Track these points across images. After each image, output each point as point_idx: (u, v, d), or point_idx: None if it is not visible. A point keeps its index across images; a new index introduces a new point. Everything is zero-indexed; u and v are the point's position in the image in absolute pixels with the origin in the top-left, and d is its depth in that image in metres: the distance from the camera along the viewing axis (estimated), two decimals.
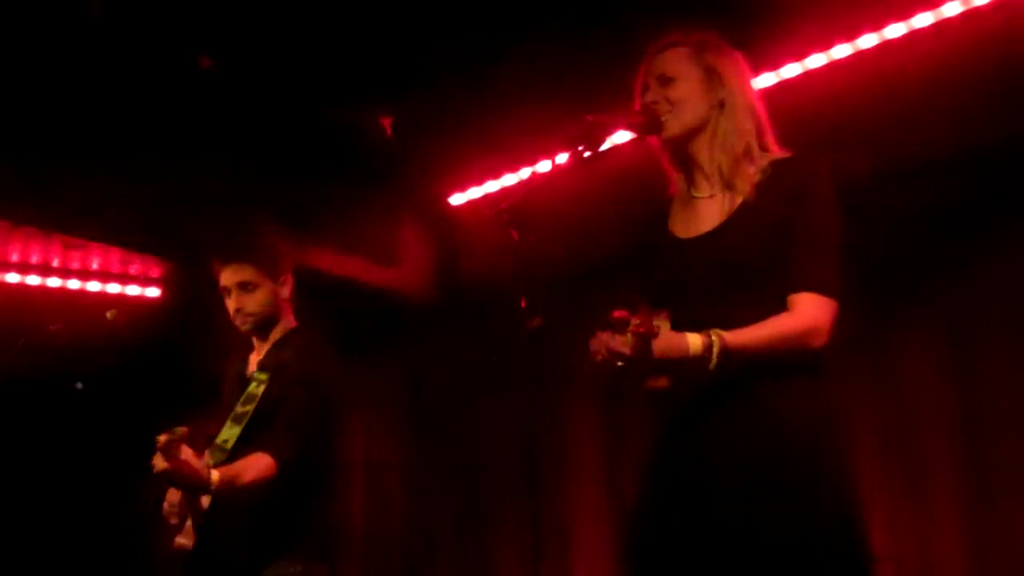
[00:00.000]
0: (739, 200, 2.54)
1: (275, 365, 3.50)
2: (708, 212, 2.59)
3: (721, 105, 2.59)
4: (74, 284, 6.06)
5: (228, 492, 3.18)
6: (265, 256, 3.60)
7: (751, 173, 2.55)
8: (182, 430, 2.96)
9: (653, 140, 2.64)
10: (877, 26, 4.32)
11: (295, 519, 3.45)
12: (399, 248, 6.11)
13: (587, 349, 2.33)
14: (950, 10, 4.17)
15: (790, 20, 4.32)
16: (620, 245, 2.94)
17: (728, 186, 2.56)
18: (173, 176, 5.15)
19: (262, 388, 3.40)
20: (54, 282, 6.00)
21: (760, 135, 2.61)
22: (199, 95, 4.81)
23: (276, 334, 3.64)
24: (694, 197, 2.64)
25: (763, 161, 2.56)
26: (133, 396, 6.60)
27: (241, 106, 4.97)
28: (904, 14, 4.26)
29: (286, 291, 3.65)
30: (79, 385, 6.95)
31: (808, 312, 2.41)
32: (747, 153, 2.56)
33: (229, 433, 3.36)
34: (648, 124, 2.59)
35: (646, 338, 2.20)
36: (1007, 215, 4.56)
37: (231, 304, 3.59)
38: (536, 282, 2.55)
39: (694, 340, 2.31)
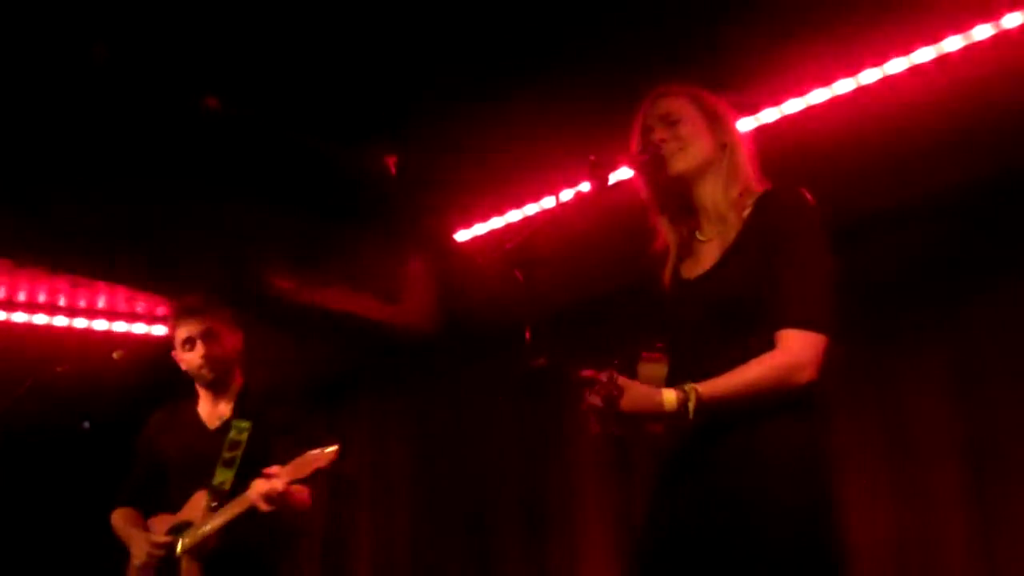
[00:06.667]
0: (732, 236, 2.56)
1: (253, 414, 3.80)
2: (709, 253, 2.61)
3: (723, 147, 2.63)
4: (80, 323, 6.07)
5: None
6: (220, 310, 3.95)
7: (743, 212, 2.57)
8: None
9: (662, 179, 2.65)
10: (878, 61, 4.34)
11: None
12: (404, 285, 6.12)
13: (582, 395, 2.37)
14: (951, 44, 4.19)
15: (790, 57, 4.35)
16: (628, 282, 2.95)
17: (725, 226, 2.59)
18: (179, 214, 5.17)
19: (245, 435, 3.72)
20: (61, 321, 6.00)
21: (753, 175, 2.65)
22: (205, 136, 4.84)
23: (234, 387, 3.96)
24: (699, 240, 2.66)
25: (752, 199, 2.59)
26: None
27: (247, 146, 5.00)
28: (905, 49, 4.28)
29: (238, 343, 3.99)
30: (86, 425, 6.96)
31: (790, 349, 2.38)
32: (743, 194, 2.60)
33: (225, 476, 3.69)
34: (652, 162, 2.62)
35: (609, 399, 2.26)
36: (1007, 247, 4.58)
37: (198, 352, 3.87)
38: (540, 320, 2.56)
39: (668, 396, 2.34)
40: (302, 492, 3.63)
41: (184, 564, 3.63)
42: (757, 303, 2.45)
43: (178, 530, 3.73)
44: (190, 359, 3.89)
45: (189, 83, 4.56)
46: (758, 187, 2.62)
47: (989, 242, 4.61)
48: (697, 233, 2.67)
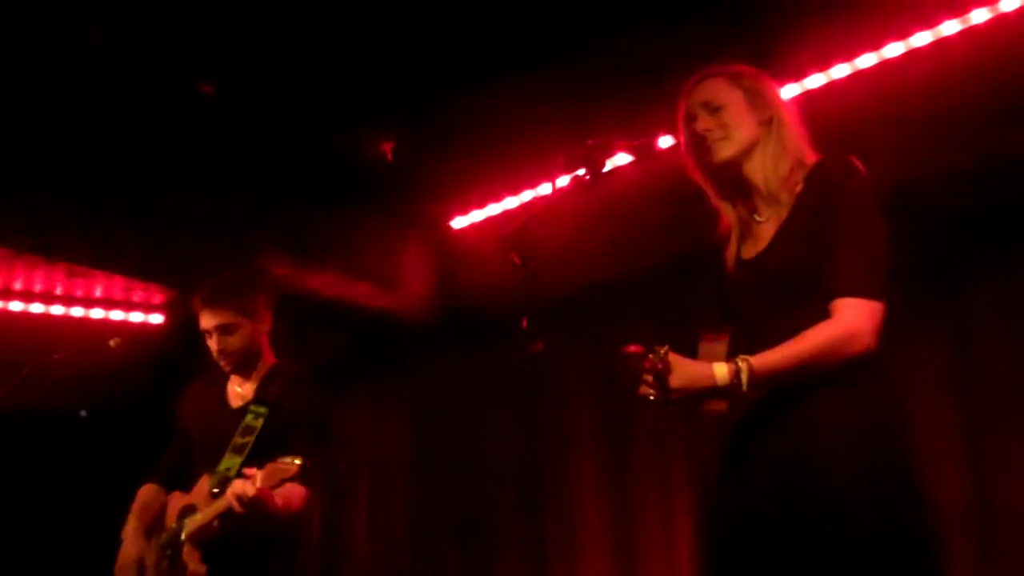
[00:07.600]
0: (785, 213, 2.57)
1: (272, 399, 3.66)
2: (766, 232, 2.61)
3: (768, 123, 2.63)
4: (77, 312, 6.06)
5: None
6: (242, 298, 3.78)
7: (795, 189, 2.58)
8: None
9: (710, 166, 2.65)
10: (876, 45, 4.33)
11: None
12: (401, 271, 6.12)
13: (624, 375, 2.37)
14: (948, 29, 4.18)
15: (792, 37, 4.33)
16: (625, 267, 2.95)
17: (779, 205, 2.59)
18: (175, 202, 5.16)
19: (261, 421, 3.60)
20: (57, 310, 6.00)
21: (803, 147, 2.64)
22: (201, 122, 4.83)
23: (261, 368, 3.83)
24: (758, 222, 2.65)
25: (803, 173, 2.59)
26: (137, 423, 6.60)
27: (243, 132, 4.99)
28: (902, 33, 4.27)
29: (265, 326, 3.85)
30: (83, 413, 6.97)
31: (845, 318, 2.39)
32: (795, 166, 2.59)
33: (231, 462, 3.56)
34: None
35: (658, 374, 2.27)
36: (1012, 226, 4.61)
37: (213, 345, 3.76)
38: (537, 305, 2.55)
39: (720, 370, 2.34)
40: (290, 497, 3.44)
41: (186, 549, 3.56)
42: (811, 276, 2.45)
43: (185, 513, 3.66)
44: (210, 347, 3.79)
45: (185, 69, 4.55)
46: (809, 158, 2.61)
47: (991, 221, 4.62)
48: (755, 215, 2.66)
